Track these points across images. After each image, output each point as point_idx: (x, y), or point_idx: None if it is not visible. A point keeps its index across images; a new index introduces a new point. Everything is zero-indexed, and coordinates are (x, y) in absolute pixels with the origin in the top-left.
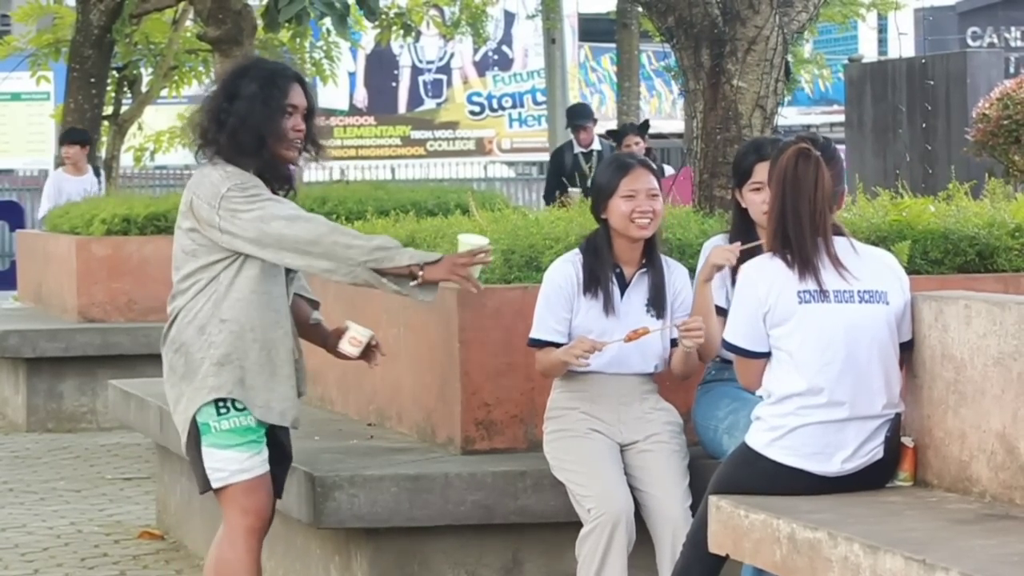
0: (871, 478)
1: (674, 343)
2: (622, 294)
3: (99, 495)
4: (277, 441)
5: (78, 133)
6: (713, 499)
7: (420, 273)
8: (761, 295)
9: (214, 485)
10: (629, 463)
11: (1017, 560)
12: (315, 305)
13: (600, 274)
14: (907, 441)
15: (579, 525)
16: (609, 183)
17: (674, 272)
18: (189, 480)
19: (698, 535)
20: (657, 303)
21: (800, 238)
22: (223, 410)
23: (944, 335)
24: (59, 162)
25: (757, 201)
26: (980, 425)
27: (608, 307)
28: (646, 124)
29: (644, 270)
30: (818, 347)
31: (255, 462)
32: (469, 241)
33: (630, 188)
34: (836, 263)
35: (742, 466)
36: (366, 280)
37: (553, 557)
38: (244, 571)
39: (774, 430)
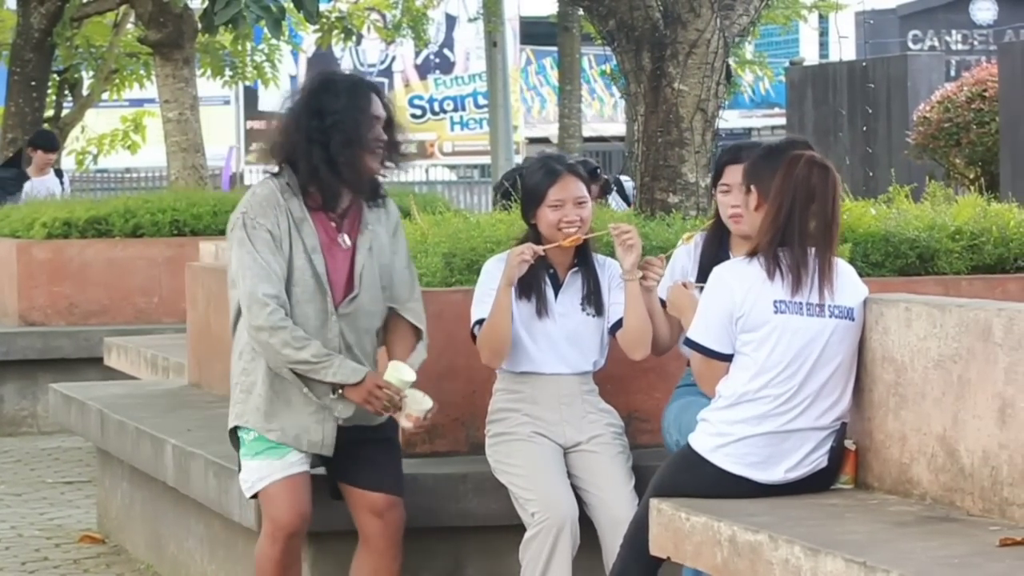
0: (814, 484)
1: (612, 330)
2: (556, 294)
3: (40, 499)
4: (352, 448)
5: (51, 140)
6: (654, 501)
7: (340, 391)
8: (737, 299)
9: (246, 495)
10: (573, 465)
11: (957, 562)
12: (418, 334)
13: (532, 276)
14: (848, 444)
15: (522, 529)
16: (536, 190)
17: (607, 269)
18: (130, 484)
19: (636, 537)
20: (592, 301)
21: (802, 248)
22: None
23: (884, 338)
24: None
25: (725, 203)
26: (921, 428)
27: (542, 308)
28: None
29: (577, 270)
30: (785, 358)
31: (274, 468)
32: (398, 373)
33: (557, 198)
34: (822, 277)
35: (684, 469)
36: (290, 377)
37: (495, 561)
38: (267, 571)
39: (720, 436)
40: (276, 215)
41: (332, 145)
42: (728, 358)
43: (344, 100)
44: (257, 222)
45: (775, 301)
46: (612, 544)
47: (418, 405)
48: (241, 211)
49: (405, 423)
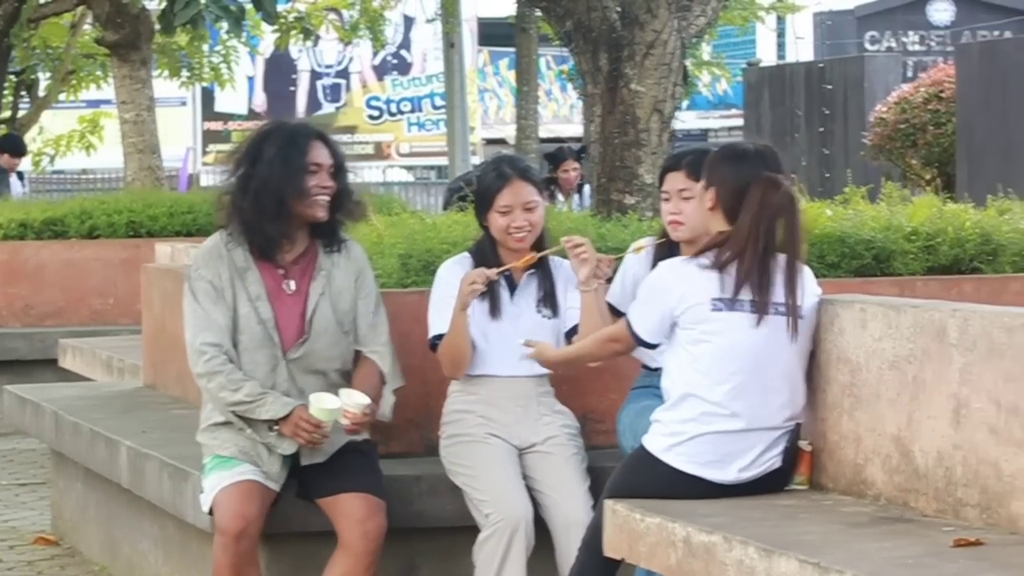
0: (768, 485)
1: (569, 336)
2: (511, 296)
3: None
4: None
5: (18, 145)
6: (609, 503)
7: (275, 428)
8: (673, 300)
9: (204, 511)
10: (528, 466)
11: (912, 563)
12: (382, 377)
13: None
14: (803, 445)
15: (476, 530)
16: (486, 195)
17: (563, 271)
18: (84, 486)
19: (593, 538)
20: (547, 303)
21: (758, 253)
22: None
23: (839, 338)
24: None
25: (664, 210)
26: (875, 428)
27: (495, 310)
28: (584, 149)
29: (532, 271)
30: (726, 357)
31: (223, 477)
32: (319, 403)
33: (504, 204)
34: (767, 279)
35: (638, 470)
36: (235, 420)
37: (450, 563)
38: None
39: (673, 436)
40: (218, 266)
41: (261, 195)
42: (654, 347)
43: (275, 149)
44: (199, 274)
45: (714, 299)
46: (566, 546)
47: (327, 405)
48: (189, 264)
49: (344, 421)
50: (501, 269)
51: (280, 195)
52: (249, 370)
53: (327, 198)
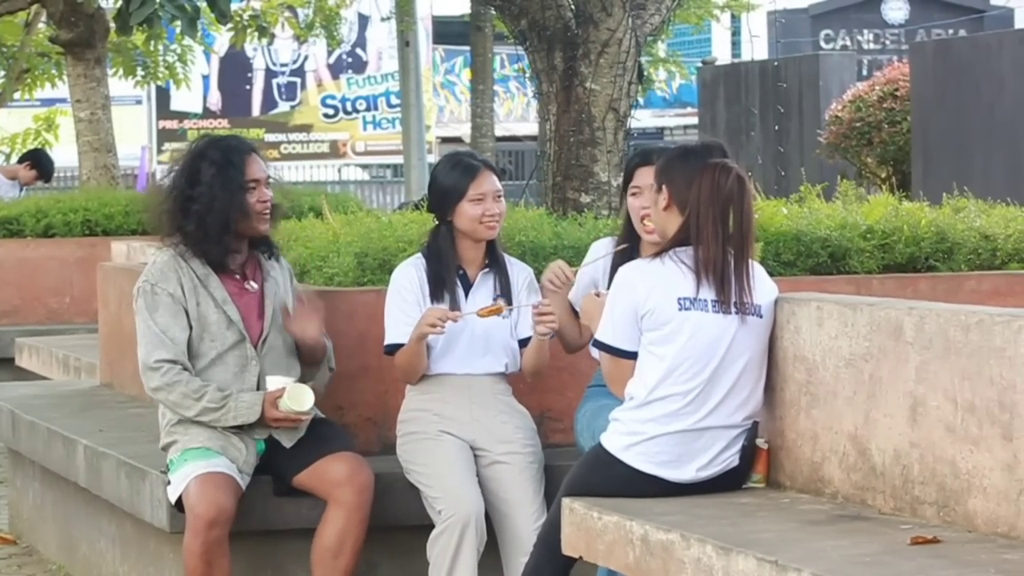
0: (726, 483)
1: (523, 344)
2: (466, 294)
3: None
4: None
5: (48, 168)
6: (566, 501)
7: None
8: (640, 297)
9: (172, 502)
10: (483, 474)
11: (869, 560)
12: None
13: (445, 276)
14: (760, 443)
15: (433, 528)
16: (456, 187)
17: (517, 271)
18: (41, 485)
19: (549, 536)
20: (503, 300)
21: (717, 248)
22: None
23: (796, 337)
24: None
25: (635, 206)
26: (832, 426)
27: (454, 309)
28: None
29: (487, 270)
30: (691, 356)
31: (197, 467)
32: (297, 399)
33: (478, 192)
34: (731, 276)
35: (596, 468)
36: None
37: (407, 560)
38: (189, 566)
39: (632, 435)
40: (179, 277)
41: (205, 218)
42: (635, 356)
43: (214, 169)
44: (158, 287)
45: (679, 298)
46: (512, 557)
47: (299, 404)
48: (142, 280)
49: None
50: (463, 314)
51: (224, 216)
52: (217, 376)
53: (268, 212)
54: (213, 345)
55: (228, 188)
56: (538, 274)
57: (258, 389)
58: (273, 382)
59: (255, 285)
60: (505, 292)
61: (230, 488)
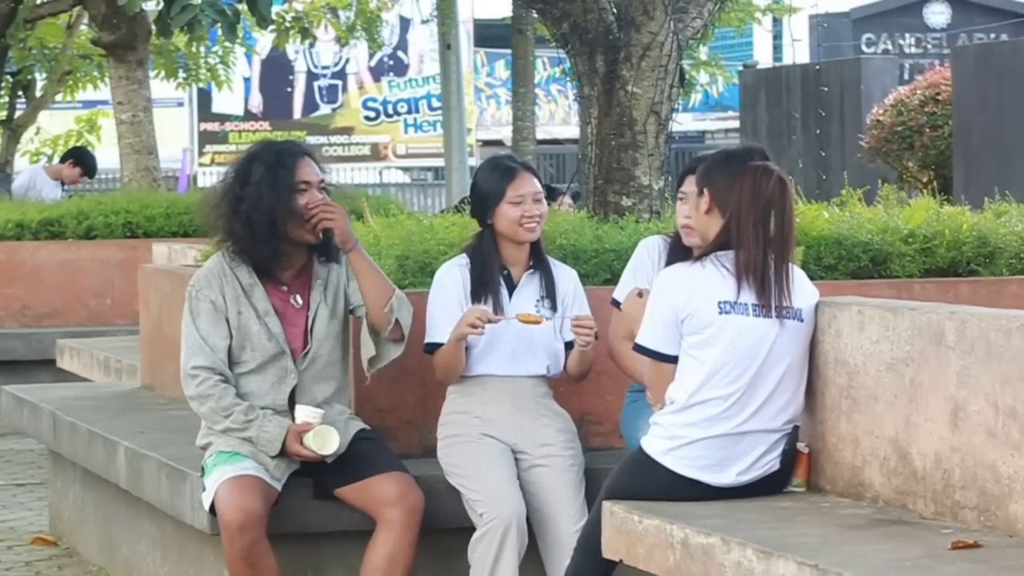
0: (766, 487)
1: (568, 345)
2: (510, 296)
3: None
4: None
5: (92, 165)
6: (607, 504)
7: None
8: (681, 300)
9: (206, 508)
10: (524, 477)
11: (909, 565)
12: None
13: (488, 278)
14: (801, 447)
15: (474, 530)
16: (496, 189)
17: (562, 273)
18: (82, 486)
19: (590, 539)
20: (547, 305)
21: (759, 252)
22: None
23: (837, 341)
24: None
25: (680, 212)
26: (873, 431)
27: (495, 311)
28: (578, 196)
29: (532, 271)
30: (731, 360)
31: (225, 472)
32: (324, 442)
33: (517, 194)
34: (772, 280)
35: (637, 472)
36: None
37: (448, 563)
38: (233, 572)
39: (672, 439)
40: (221, 285)
41: (252, 217)
42: (676, 360)
43: (263, 170)
44: (201, 294)
45: (720, 302)
46: (554, 559)
47: (322, 447)
48: (190, 284)
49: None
50: (505, 317)
51: (271, 217)
52: (254, 384)
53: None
54: (254, 355)
55: (276, 188)
56: (581, 277)
57: (291, 401)
58: (302, 413)
59: (300, 300)
60: (550, 294)
61: (258, 490)
